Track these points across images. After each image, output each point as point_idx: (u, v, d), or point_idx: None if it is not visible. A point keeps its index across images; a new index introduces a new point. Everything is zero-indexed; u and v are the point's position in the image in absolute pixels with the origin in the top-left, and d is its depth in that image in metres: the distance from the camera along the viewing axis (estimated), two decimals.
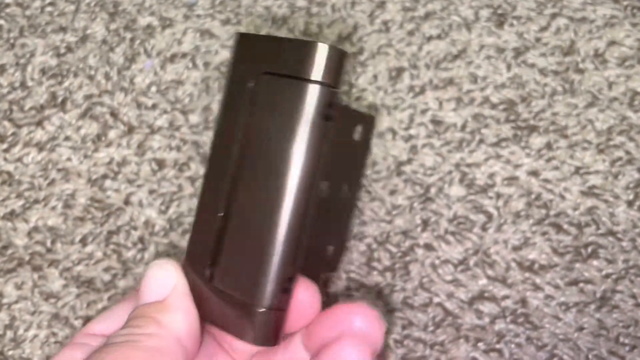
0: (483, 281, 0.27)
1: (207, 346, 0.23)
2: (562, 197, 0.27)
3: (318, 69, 0.18)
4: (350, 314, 0.20)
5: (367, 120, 0.26)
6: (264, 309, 0.20)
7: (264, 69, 0.19)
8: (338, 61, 0.19)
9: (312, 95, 0.19)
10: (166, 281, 0.21)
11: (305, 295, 0.21)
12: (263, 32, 0.30)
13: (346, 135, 0.25)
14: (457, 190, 0.27)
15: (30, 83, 0.30)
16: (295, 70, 0.19)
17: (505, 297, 0.26)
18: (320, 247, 0.25)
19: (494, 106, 0.28)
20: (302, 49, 0.19)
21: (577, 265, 0.26)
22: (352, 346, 0.20)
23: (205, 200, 0.21)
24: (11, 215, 0.29)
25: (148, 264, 0.23)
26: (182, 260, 0.22)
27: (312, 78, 0.19)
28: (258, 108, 0.20)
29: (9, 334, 0.28)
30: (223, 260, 0.21)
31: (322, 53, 0.19)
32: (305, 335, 0.22)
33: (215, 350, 0.23)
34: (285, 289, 0.20)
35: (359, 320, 0.20)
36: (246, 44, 0.20)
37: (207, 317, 0.21)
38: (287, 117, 0.19)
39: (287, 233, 0.19)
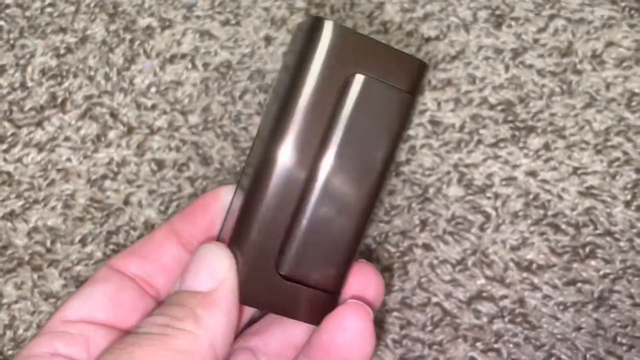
0: (481, 281, 0.27)
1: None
2: (560, 198, 0.27)
3: (417, 86, 0.21)
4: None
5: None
6: (335, 294, 0.21)
7: (359, 69, 0.21)
8: (423, 75, 0.22)
9: (408, 106, 0.21)
10: (217, 270, 0.20)
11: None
12: (262, 33, 0.30)
13: None
14: (455, 191, 0.28)
15: (30, 84, 0.31)
16: (398, 80, 0.21)
17: (504, 297, 0.26)
18: None
19: (492, 107, 0.28)
20: (411, 65, 0.21)
21: (575, 265, 0.26)
22: (352, 312, 0.20)
23: (272, 190, 0.21)
24: (11, 216, 0.29)
25: (200, 246, 0.21)
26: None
27: (412, 93, 0.21)
28: (353, 105, 0.21)
29: (9, 333, 0.28)
30: (296, 251, 0.21)
31: (420, 69, 0.21)
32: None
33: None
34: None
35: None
36: (341, 37, 0.21)
37: (262, 305, 0.21)
38: (381, 121, 0.21)
39: (366, 226, 0.22)
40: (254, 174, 0.21)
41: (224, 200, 0.23)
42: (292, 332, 0.23)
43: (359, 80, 0.21)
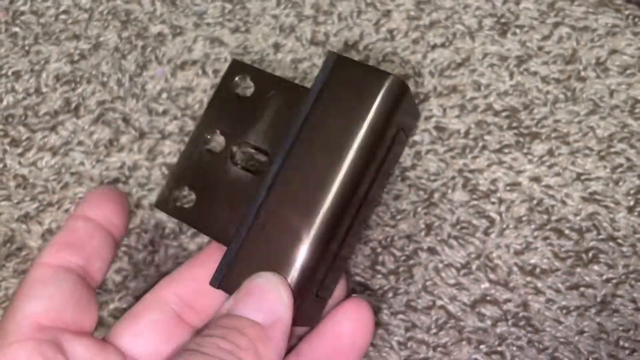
0: (485, 285, 0.27)
1: None
2: (564, 203, 0.27)
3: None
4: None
5: None
6: (327, 299, 0.24)
7: (398, 125, 0.23)
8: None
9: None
10: (278, 306, 0.19)
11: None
12: (271, 40, 0.31)
13: None
14: (460, 196, 0.28)
15: (44, 89, 0.31)
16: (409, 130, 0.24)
17: (507, 300, 0.27)
18: None
19: (496, 113, 0.29)
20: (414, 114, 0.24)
21: (578, 269, 0.27)
22: (355, 303, 0.23)
23: (329, 226, 0.21)
24: (25, 218, 0.30)
25: (256, 275, 0.20)
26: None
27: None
28: (389, 155, 0.23)
29: None
30: (328, 274, 0.22)
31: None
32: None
33: None
34: None
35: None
36: (395, 93, 0.22)
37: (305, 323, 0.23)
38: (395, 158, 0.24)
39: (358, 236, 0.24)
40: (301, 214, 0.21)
41: None
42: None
43: (400, 135, 0.23)
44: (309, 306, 0.22)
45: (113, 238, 0.24)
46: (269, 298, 0.19)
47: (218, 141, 0.25)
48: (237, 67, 0.25)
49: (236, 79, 0.25)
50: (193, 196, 0.25)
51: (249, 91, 0.25)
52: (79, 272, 0.22)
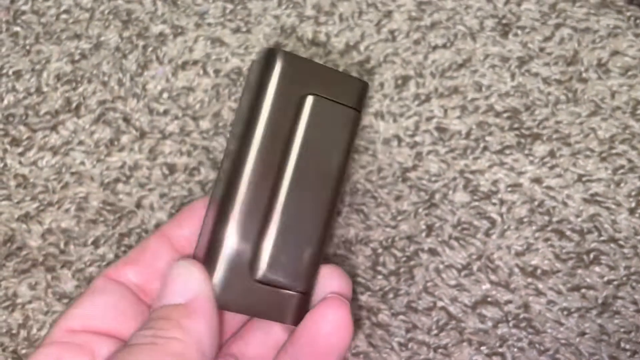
0: (486, 286, 0.27)
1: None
2: (565, 204, 0.27)
3: (361, 103, 0.24)
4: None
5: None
6: (304, 293, 0.23)
7: (310, 90, 0.23)
8: (366, 94, 0.24)
9: (355, 120, 0.24)
10: (192, 283, 0.21)
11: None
12: (272, 40, 0.31)
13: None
14: (461, 197, 0.28)
15: (45, 89, 0.31)
16: (347, 100, 0.24)
17: (508, 301, 0.27)
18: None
19: (498, 114, 0.29)
20: (355, 86, 0.24)
21: (579, 271, 0.27)
22: (334, 305, 0.22)
23: (242, 203, 0.23)
24: (26, 217, 0.30)
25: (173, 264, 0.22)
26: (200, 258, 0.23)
27: (358, 109, 0.24)
28: (307, 123, 0.23)
29: (23, 333, 0.29)
30: (267, 255, 0.22)
31: (366, 91, 0.24)
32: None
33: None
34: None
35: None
36: (292, 64, 0.23)
37: (241, 309, 0.23)
38: (333, 134, 0.23)
39: (329, 228, 0.23)
40: (224, 188, 0.23)
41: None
42: (272, 333, 0.24)
43: (310, 100, 0.23)
44: (259, 294, 0.22)
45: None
46: (182, 281, 0.22)
47: None
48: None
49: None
50: None
51: None
52: (132, 288, 0.24)
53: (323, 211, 0.23)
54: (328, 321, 0.22)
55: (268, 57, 0.23)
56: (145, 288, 0.24)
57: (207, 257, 0.22)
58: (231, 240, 0.22)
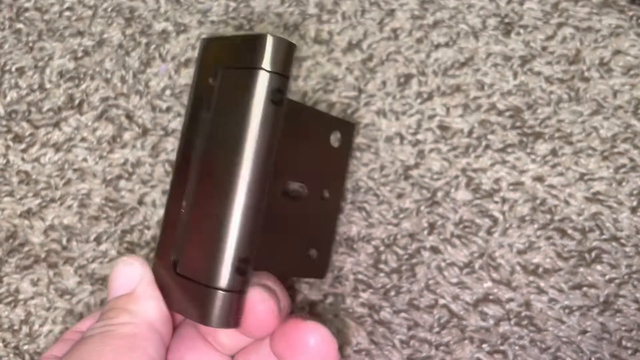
0: (488, 284, 0.27)
1: (188, 337, 0.24)
2: (567, 203, 0.27)
3: (266, 58, 0.20)
4: (304, 333, 0.21)
5: (347, 128, 0.27)
6: (221, 291, 0.20)
7: (223, 65, 0.21)
8: (285, 51, 0.20)
9: (261, 81, 0.20)
10: (133, 274, 0.23)
11: (261, 306, 0.21)
12: None
13: (322, 140, 0.26)
14: (463, 195, 0.28)
15: (48, 85, 0.31)
16: (247, 61, 0.20)
17: (510, 300, 0.27)
18: (300, 248, 0.25)
19: (500, 113, 0.29)
20: (252, 42, 0.20)
21: (581, 269, 0.27)
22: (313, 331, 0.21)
23: (172, 195, 0.22)
24: (28, 214, 0.30)
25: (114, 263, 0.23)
26: (154, 257, 0.23)
27: (261, 66, 0.20)
28: (216, 101, 0.21)
29: (25, 329, 0.29)
30: (186, 249, 0.21)
31: (269, 44, 0.20)
32: (271, 341, 0.22)
33: (196, 343, 0.24)
34: (240, 270, 0.20)
35: (313, 339, 0.21)
36: (208, 47, 0.22)
37: (174, 307, 0.22)
38: (239, 104, 0.20)
39: (240, 216, 0.20)
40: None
41: None
42: (266, 357, 0.23)
43: (221, 75, 0.21)
44: (183, 290, 0.21)
45: None
46: (124, 274, 0.23)
47: None
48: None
49: None
50: None
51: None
52: None
53: (232, 197, 0.20)
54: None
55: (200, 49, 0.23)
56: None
57: (155, 252, 0.23)
58: (164, 235, 0.22)
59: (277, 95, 0.20)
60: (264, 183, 0.20)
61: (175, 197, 0.22)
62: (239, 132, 0.20)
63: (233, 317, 0.21)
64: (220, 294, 0.20)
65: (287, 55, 0.20)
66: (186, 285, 0.21)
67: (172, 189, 0.23)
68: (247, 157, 0.20)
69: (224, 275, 0.20)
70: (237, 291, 0.21)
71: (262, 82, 0.20)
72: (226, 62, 0.21)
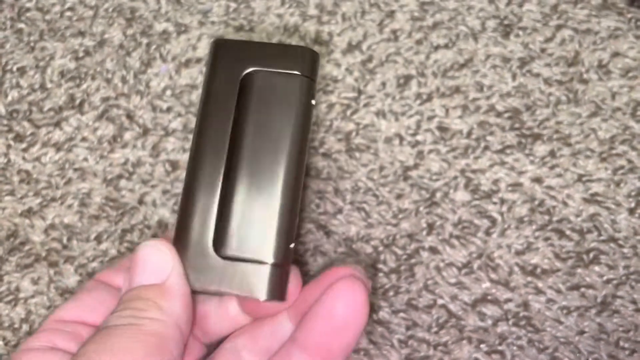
0: (486, 284, 0.27)
1: None
2: (565, 204, 0.28)
3: (307, 67, 0.24)
4: (336, 274, 0.22)
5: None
6: (275, 265, 0.22)
7: (248, 68, 0.24)
8: (316, 61, 0.24)
9: (307, 85, 0.24)
10: (164, 263, 0.22)
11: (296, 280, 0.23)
12: (275, 39, 0.31)
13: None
14: (462, 196, 0.28)
15: (49, 85, 0.31)
16: (286, 67, 0.24)
17: (508, 300, 0.27)
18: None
19: (499, 114, 0.29)
20: (294, 51, 0.24)
21: (579, 270, 0.27)
22: (348, 283, 0.22)
23: (198, 187, 0.23)
24: (29, 213, 0.30)
25: (138, 244, 0.23)
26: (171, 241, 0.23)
27: (305, 74, 0.24)
28: (251, 99, 0.23)
29: (25, 327, 0.29)
30: (229, 231, 0.23)
31: (307, 54, 0.24)
32: (291, 310, 0.23)
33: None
34: (289, 246, 0.23)
35: (347, 273, 0.22)
36: (228, 49, 0.24)
37: (210, 288, 0.22)
38: (283, 103, 0.24)
39: (291, 197, 0.23)
40: (185, 177, 0.24)
41: None
42: (282, 327, 0.24)
43: (251, 74, 0.24)
44: (227, 272, 0.22)
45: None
46: (154, 261, 0.22)
47: None
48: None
49: None
50: None
51: None
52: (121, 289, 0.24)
53: (284, 180, 0.23)
54: (343, 300, 0.22)
55: (209, 50, 0.24)
56: None
57: (176, 240, 0.23)
58: (194, 220, 0.23)
59: (314, 97, 0.24)
60: (303, 169, 0.24)
61: (204, 188, 0.23)
62: (286, 126, 0.23)
63: (283, 290, 0.23)
64: (274, 267, 0.22)
65: (316, 64, 0.24)
66: (229, 265, 0.22)
67: (195, 182, 0.23)
68: (294, 149, 0.23)
69: (279, 250, 0.23)
70: (287, 265, 0.23)
71: (309, 87, 0.24)
72: (262, 64, 0.24)
